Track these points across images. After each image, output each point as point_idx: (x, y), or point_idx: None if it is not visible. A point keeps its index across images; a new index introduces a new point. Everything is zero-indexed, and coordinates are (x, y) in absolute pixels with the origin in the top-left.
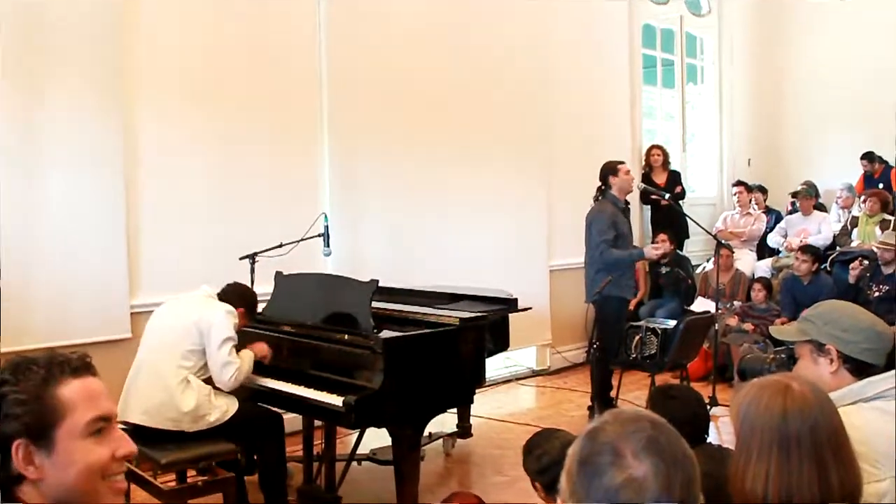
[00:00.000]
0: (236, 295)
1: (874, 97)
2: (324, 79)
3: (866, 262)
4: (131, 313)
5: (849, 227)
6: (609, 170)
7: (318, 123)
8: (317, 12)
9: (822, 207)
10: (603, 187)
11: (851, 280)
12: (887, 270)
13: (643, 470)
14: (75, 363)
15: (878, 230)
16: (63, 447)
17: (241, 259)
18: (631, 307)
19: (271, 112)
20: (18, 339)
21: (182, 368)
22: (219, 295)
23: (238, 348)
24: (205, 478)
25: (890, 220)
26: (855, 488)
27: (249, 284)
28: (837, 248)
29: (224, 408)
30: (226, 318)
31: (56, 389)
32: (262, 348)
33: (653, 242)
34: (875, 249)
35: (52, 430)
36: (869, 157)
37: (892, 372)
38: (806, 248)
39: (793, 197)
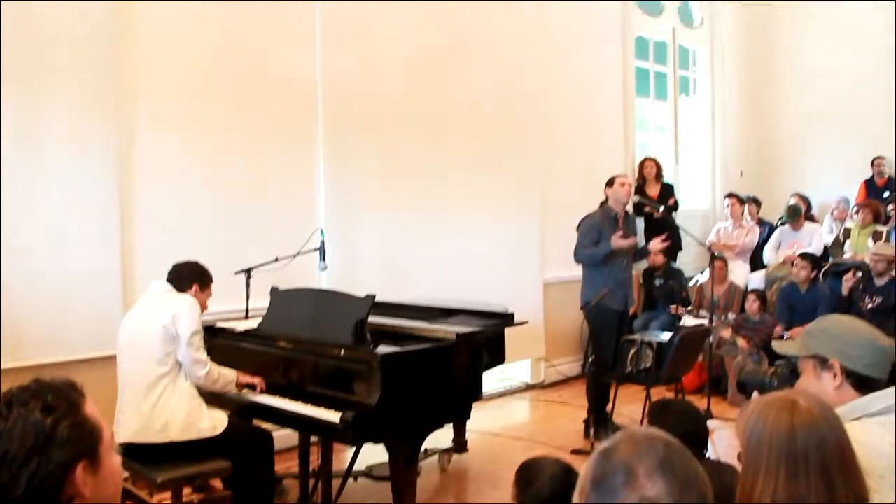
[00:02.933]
0: (188, 273)
1: (866, 109)
2: (320, 93)
3: (859, 273)
4: None
5: (841, 239)
6: (608, 182)
7: (313, 138)
8: (314, 28)
9: (813, 219)
10: (605, 199)
11: (844, 292)
12: (880, 282)
13: (656, 490)
14: (76, 385)
15: (870, 241)
16: (105, 462)
17: (236, 274)
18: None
19: (267, 127)
20: (12, 354)
21: (162, 376)
22: (171, 281)
23: (234, 365)
24: (201, 495)
25: (882, 231)
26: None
27: (245, 299)
28: (830, 259)
29: (215, 422)
30: (190, 312)
31: (85, 409)
32: (253, 380)
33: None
34: (868, 261)
35: (98, 447)
36: (879, 160)
37: None
38: (805, 255)
39: (780, 221)
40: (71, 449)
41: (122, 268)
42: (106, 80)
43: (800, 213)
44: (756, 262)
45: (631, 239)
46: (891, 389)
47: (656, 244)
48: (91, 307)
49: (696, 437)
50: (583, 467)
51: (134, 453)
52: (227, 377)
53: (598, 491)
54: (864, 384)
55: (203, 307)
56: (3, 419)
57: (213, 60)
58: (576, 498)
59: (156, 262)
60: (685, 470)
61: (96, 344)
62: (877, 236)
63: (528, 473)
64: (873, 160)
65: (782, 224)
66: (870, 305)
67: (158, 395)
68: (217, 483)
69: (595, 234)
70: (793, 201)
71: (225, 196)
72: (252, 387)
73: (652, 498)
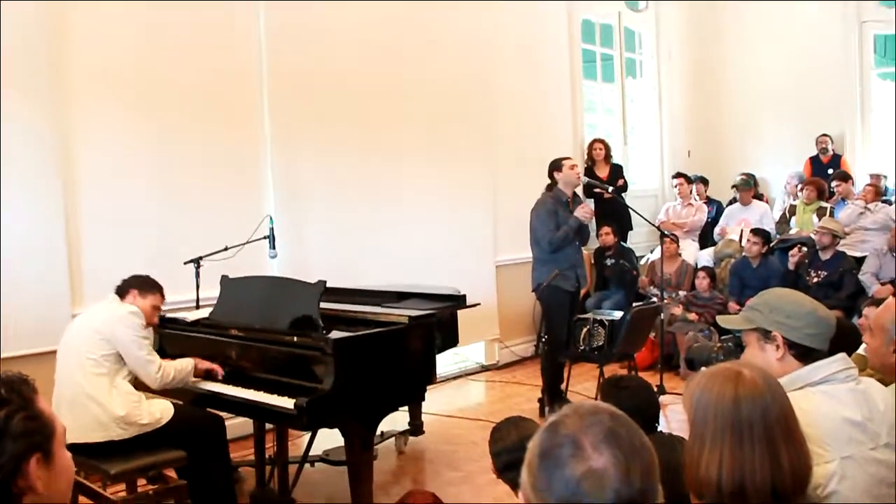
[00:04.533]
0: (127, 281)
1: (810, 88)
2: (265, 79)
3: (805, 248)
4: None
5: (787, 216)
6: (553, 166)
7: (259, 125)
8: (257, 12)
9: (760, 197)
10: (550, 183)
11: (791, 266)
12: (825, 256)
13: (603, 461)
14: (28, 379)
15: (815, 218)
16: (58, 456)
17: (185, 264)
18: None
19: (212, 115)
20: None
21: (99, 376)
22: (118, 290)
23: (186, 355)
24: (156, 486)
25: (826, 208)
26: (805, 470)
27: (195, 289)
28: (776, 236)
29: (157, 414)
30: (128, 319)
31: (39, 403)
32: (212, 366)
33: (597, 235)
34: (813, 236)
35: (51, 441)
36: (824, 137)
37: (838, 356)
38: (757, 231)
39: (733, 188)
40: (24, 442)
41: (69, 262)
42: (44, 69)
43: (751, 185)
44: (705, 241)
45: (589, 209)
46: (832, 359)
47: (581, 213)
48: (36, 302)
49: (649, 411)
50: (530, 441)
51: (83, 449)
52: (183, 369)
53: (546, 463)
54: (806, 355)
55: (147, 315)
56: None
57: (155, 50)
58: (524, 472)
59: (103, 254)
60: (631, 440)
61: (41, 339)
62: (821, 212)
63: (500, 426)
64: (817, 138)
65: (732, 203)
66: (815, 279)
67: (90, 397)
68: (172, 473)
69: (554, 219)
70: (737, 181)
71: (172, 186)
72: (212, 373)
73: (599, 469)
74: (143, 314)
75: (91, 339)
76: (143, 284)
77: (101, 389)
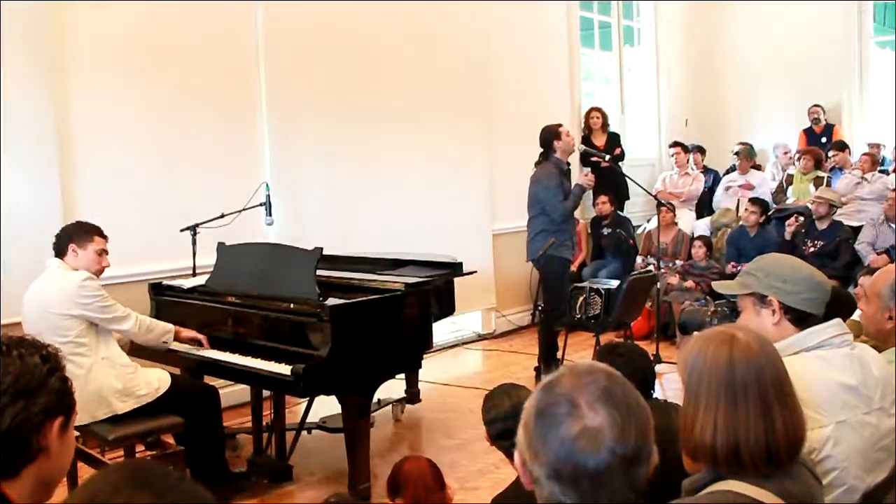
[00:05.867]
0: (61, 236)
1: (809, 57)
2: (260, 46)
3: (801, 218)
4: None
5: (784, 185)
6: (551, 133)
7: (256, 92)
8: None
9: (757, 167)
10: (545, 151)
11: (787, 236)
12: (822, 226)
13: (599, 420)
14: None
15: (812, 187)
16: (70, 431)
17: (181, 231)
18: (573, 268)
19: (208, 82)
20: None
21: (82, 356)
22: (56, 250)
23: (183, 322)
24: (153, 452)
25: (823, 178)
26: (799, 433)
27: (191, 256)
28: (773, 205)
29: (155, 383)
30: (81, 291)
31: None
32: (196, 335)
33: (594, 204)
34: (810, 206)
35: (71, 412)
36: (816, 107)
37: (834, 321)
38: (755, 200)
39: (735, 154)
40: (56, 401)
41: None
42: (43, 38)
43: (753, 153)
44: (702, 210)
45: (591, 176)
46: (827, 324)
47: (584, 180)
48: (34, 268)
49: (644, 377)
50: (527, 401)
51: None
52: (161, 327)
53: (542, 422)
54: (802, 320)
55: (95, 264)
56: (3, 355)
57: (152, 18)
58: (520, 431)
59: (99, 221)
60: (626, 400)
61: None
62: (818, 182)
63: (494, 394)
64: (809, 108)
65: (730, 171)
66: (812, 249)
67: (81, 378)
68: (169, 439)
69: (561, 189)
70: (737, 149)
71: (168, 153)
72: (197, 342)
73: (594, 427)
74: (90, 263)
75: (55, 324)
76: (78, 234)
77: (89, 368)
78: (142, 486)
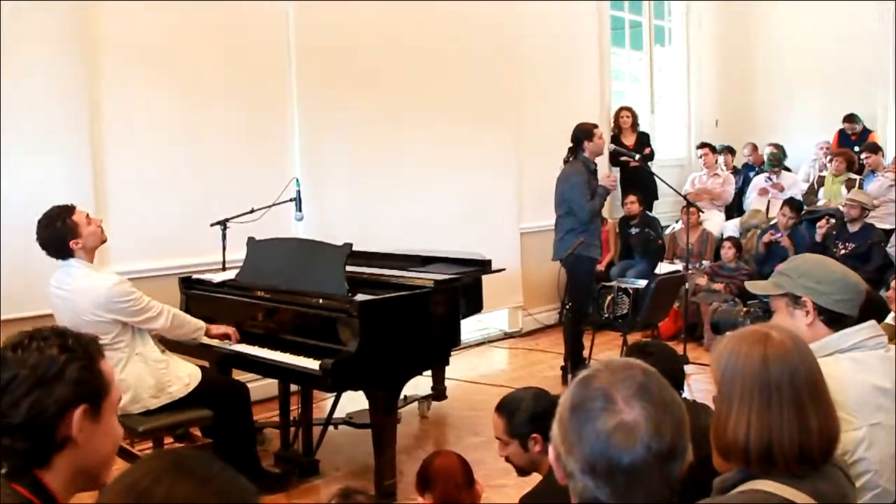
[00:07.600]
0: (51, 235)
1: (842, 58)
2: (292, 44)
3: (833, 220)
4: None
5: (815, 187)
6: (584, 133)
7: (287, 88)
8: None
9: (787, 169)
10: (574, 148)
11: (818, 238)
12: (853, 228)
13: (634, 415)
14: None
15: (843, 189)
16: (106, 418)
17: (212, 226)
18: (601, 267)
19: (240, 79)
20: None
21: (119, 352)
22: (53, 255)
23: (212, 316)
24: (182, 444)
25: (856, 180)
26: (833, 433)
27: (221, 251)
28: (804, 207)
29: (186, 379)
30: (115, 296)
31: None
32: (227, 330)
33: (622, 204)
34: (841, 208)
35: (102, 400)
36: (851, 118)
37: (868, 323)
38: (790, 203)
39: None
40: (74, 390)
41: None
42: (75, 37)
43: (782, 160)
44: (731, 211)
45: (614, 177)
46: (861, 326)
47: (607, 182)
48: None
49: (674, 376)
50: (562, 396)
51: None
52: (193, 323)
53: (577, 416)
54: (835, 321)
55: (95, 237)
56: (22, 348)
57: (185, 11)
58: (555, 426)
59: (131, 216)
60: (662, 396)
61: None
62: (850, 184)
63: (511, 404)
64: (844, 117)
65: (759, 172)
66: (843, 251)
67: (122, 376)
68: (197, 432)
69: (588, 189)
70: (769, 150)
71: (199, 148)
72: (227, 337)
73: (630, 422)
74: (94, 240)
75: (90, 329)
76: (63, 231)
77: (122, 365)
78: (184, 474)
